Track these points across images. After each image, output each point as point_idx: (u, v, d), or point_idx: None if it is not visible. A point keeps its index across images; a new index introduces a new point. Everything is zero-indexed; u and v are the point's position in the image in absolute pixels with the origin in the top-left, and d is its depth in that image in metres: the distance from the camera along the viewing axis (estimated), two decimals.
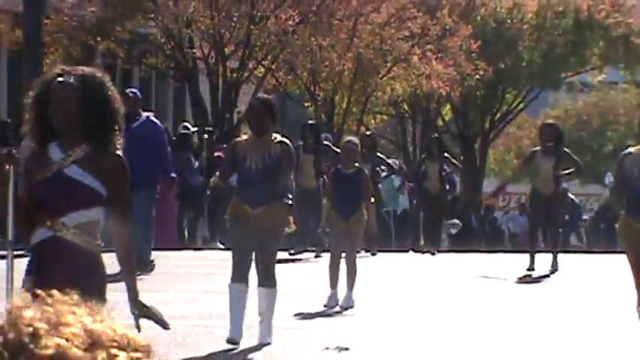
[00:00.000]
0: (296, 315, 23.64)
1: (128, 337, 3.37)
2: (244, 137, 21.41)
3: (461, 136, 66.17)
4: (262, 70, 58.17)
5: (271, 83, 60.61)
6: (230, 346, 19.12)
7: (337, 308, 24.42)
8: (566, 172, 33.36)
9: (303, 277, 31.24)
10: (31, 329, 3.13)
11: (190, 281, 28.32)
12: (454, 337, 22.03)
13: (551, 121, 45.02)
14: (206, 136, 51.73)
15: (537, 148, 32.40)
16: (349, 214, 25.33)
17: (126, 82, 60.60)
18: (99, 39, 56.78)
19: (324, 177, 35.71)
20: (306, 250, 37.90)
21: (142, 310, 9.28)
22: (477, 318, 23.41)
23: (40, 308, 3.50)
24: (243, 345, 19.17)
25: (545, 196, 30.18)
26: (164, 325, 9.59)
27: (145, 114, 31.88)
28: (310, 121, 44.00)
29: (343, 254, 25.78)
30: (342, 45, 57.66)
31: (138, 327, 8.87)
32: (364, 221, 26.65)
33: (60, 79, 8.97)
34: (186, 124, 48.64)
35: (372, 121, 66.51)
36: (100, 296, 8.20)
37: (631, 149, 18.46)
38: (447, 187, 42.43)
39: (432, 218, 42.52)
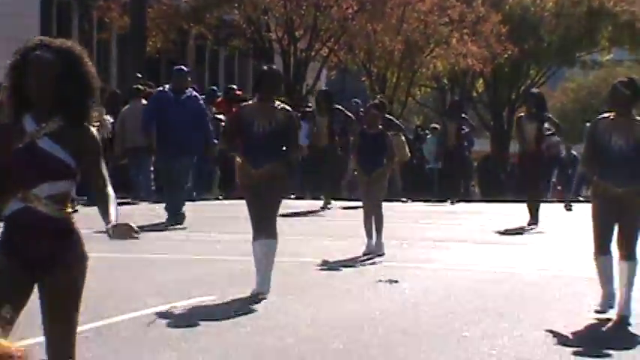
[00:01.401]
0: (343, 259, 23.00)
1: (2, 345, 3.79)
2: (249, 103, 20.76)
3: (491, 105, 66.54)
4: (326, 50, 58.70)
5: (334, 61, 61.24)
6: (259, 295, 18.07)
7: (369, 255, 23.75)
8: (548, 132, 33.23)
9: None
10: None
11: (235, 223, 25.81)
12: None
13: (535, 90, 45.89)
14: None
15: (522, 114, 31.74)
16: (372, 170, 24.70)
17: (214, 60, 68.04)
18: (192, 24, 57.51)
19: (337, 137, 36.11)
20: (318, 198, 37.70)
21: (117, 234, 8.37)
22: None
23: None
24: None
25: (530, 154, 29.55)
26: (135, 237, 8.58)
27: (190, 89, 31.06)
28: (324, 88, 44.96)
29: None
30: (393, 29, 57.63)
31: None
32: (386, 176, 26.19)
33: (37, 51, 8.21)
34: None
35: (418, 93, 67.25)
36: (81, 259, 8.21)
37: (604, 115, 17.15)
38: (466, 143, 42.45)
39: (450, 169, 42.34)
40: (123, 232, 8.14)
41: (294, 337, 16.05)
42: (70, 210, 8.24)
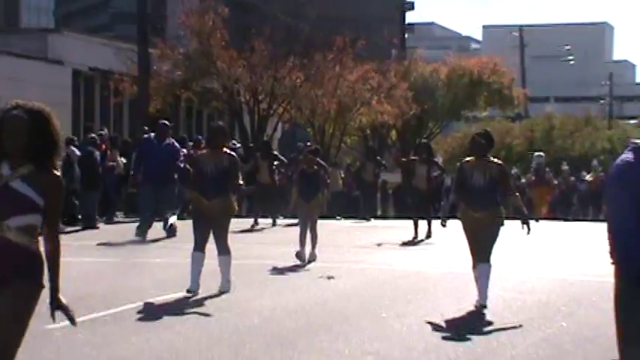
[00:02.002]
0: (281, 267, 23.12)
1: None
2: (203, 151, 21.12)
3: (402, 149, 64.69)
4: (281, 109, 58.49)
5: (286, 117, 60.71)
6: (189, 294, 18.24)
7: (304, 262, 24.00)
8: (435, 174, 32.47)
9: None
10: None
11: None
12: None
13: (424, 140, 44.97)
14: (247, 147, 48.03)
15: (415, 157, 31.26)
16: (310, 199, 25.06)
17: (199, 117, 66.45)
18: (183, 91, 57.25)
19: (279, 175, 37.29)
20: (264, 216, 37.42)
21: (61, 306, 8.03)
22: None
23: None
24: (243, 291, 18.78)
25: (421, 190, 29.86)
26: (73, 322, 8.25)
27: (170, 139, 31.48)
28: (265, 139, 44.55)
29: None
30: (330, 94, 57.26)
31: (53, 317, 8.21)
32: (319, 203, 26.12)
33: (14, 111, 7.97)
34: (234, 141, 46.74)
35: (348, 140, 67.60)
36: (37, 282, 7.72)
37: (467, 159, 17.77)
38: (381, 176, 43.07)
39: (368, 195, 42.58)
40: (66, 313, 7.87)
41: (259, 318, 16.38)
42: (36, 240, 7.83)
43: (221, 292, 18.10)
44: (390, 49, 78.36)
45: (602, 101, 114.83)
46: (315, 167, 26.37)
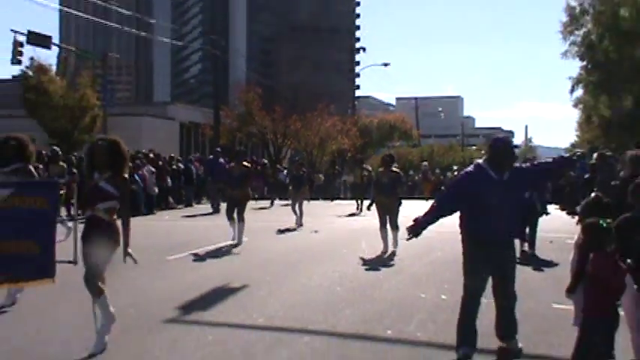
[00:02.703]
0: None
1: None
2: (232, 165, 19.82)
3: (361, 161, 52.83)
4: (289, 142, 59.32)
5: (292, 146, 60.66)
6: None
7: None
8: (365, 174, 31.48)
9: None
10: None
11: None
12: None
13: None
14: (271, 163, 49.43)
15: (381, 169, 18.20)
16: (298, 190, 24.64)
17: (246, 147, 61.57)
18: (237, 133, 58.46)
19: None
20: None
21: (129, 253, 7.72)
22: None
23: None
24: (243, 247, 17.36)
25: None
26: (135, 261, 7.88)
27: (221, 159, 30.41)
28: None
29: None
30: (314, 134, 59.07)
31: (124, 258, 7.87)
32: (305, 193, 25.60)
33: (99, 142, 7.85)
34: (264, 160, 47.38)
35: (325, 159, 62.37)
36: (114, 244, 7.59)
37: (380, 169, 17.40)
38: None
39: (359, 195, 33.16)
40: (132, 258, 7.67)
41: (271, 254, 16.30)
42: (114, 216, 7.76)
43: (238, 244, 17.71)
44: (347, 110, 78.61)
45: (457, 137, 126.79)
46: (301, 172, 26.43)
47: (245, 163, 19.35)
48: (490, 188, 7.20)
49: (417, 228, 7.41)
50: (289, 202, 26.00)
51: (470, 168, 7.49)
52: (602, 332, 6.06)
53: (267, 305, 10.63)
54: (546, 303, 10.49)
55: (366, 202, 19.04)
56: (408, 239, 7.82)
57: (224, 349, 8.19)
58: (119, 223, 7.87)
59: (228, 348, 8.26)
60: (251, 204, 21.34)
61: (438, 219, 7.54)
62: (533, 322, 9.23)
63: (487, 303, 7.82)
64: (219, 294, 11.62)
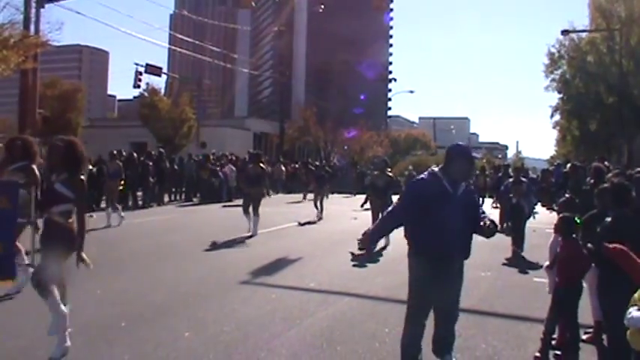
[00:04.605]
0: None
1: None
2: (249, 165, 16.97)
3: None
4: (336, 150, 57.99)
5: (339, 153, 57.40)
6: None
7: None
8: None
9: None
10: None
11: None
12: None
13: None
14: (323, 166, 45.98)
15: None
16: (322, 186, 21.76)
17: (301, 152, 61.86)
18: (297, 141, 57.27)
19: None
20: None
21: (81, 257, 5.85)
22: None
23: None
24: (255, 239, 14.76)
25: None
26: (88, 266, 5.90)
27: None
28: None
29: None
30: (356, 143, 57.75)
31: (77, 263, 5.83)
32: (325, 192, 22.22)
33: (56, 142, 6.27)
34: (317, 162, 42.17)
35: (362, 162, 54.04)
36: (68, 250, 5.84)
37: (375, 172, 15.07)
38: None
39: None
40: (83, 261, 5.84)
41: (321, 234, 15.96)
42: (71, 219, 5.99)
43: (252, 235, 15.28)
44: (381, 126, 78.95)
45: None
46: (324, 172, 23.77)
47: (260, 164, 16.54)
48: (443, 201, 5.21)
49: (366, 242, 5.51)
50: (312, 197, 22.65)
51: (424, 175, 5.42)
52: (570, 299, 6.15)
53: (316, 273, 10.59)
54: (528, 277, 10.63)
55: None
56: (356, 255, 7.05)
57: (285, 305, 8.26)
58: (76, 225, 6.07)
59: (288, 304, 8.32)
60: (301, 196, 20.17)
61: (391, 230, 5.72)
62: (519, 291, 9.39)
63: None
64: (281, 263, 11.53)
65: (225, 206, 24.74)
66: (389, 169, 15.02)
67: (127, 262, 11.22)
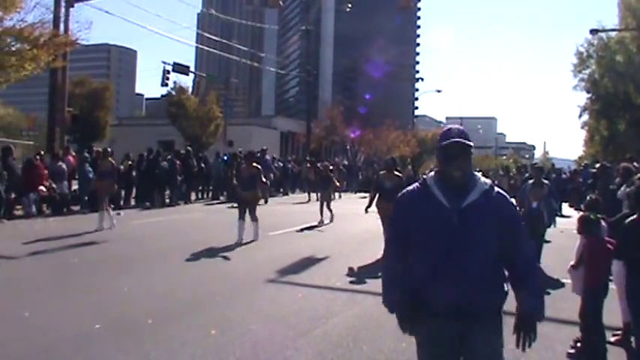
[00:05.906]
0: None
1: None
2: (244, 165, 15.59)
3: (413, 169, 52.67)
4: (363, 149, 57.39)
5: (366, 152, 57.46)
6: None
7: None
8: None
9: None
10: None
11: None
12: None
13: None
14: (349, 164, 48.13)
15: (383, 172, 12.92)
16: (326, 188, 20.16)
17: (327, 151, 60.73)
18: (323, 140, 56.08)
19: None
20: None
21: None
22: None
23: None
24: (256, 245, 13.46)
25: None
26: None
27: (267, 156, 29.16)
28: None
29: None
30: (383, 143, 56.61)
31: None
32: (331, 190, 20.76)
33: None
34: (345, 161, 47.14)
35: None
36: None
37: (381, 172, 13.56)
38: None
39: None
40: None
41: (347, 234, 16.02)
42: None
43: (253, 240, 14.19)
44: (408, 125, 78.45)
45: (492, 148, 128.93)
46: (328, 173, 21.16)
47: (255, 164, 14.92)
48: (437, 223, 3.40)
49: (391, 310, 3.61)
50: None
51: (413, 186, 3.62)
52: (595, 299, 6.16)
53: (343, 272, 10.57)
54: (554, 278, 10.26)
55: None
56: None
57: (311, 304, 8.28)
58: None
59: (314, 303, 8.34)
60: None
61: (404, 273, 3.51)
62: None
63: None
64: (307, 262, 11.55)
65: None
66: (397, 169, 13.64)
67: (154, 260, 11.31)
